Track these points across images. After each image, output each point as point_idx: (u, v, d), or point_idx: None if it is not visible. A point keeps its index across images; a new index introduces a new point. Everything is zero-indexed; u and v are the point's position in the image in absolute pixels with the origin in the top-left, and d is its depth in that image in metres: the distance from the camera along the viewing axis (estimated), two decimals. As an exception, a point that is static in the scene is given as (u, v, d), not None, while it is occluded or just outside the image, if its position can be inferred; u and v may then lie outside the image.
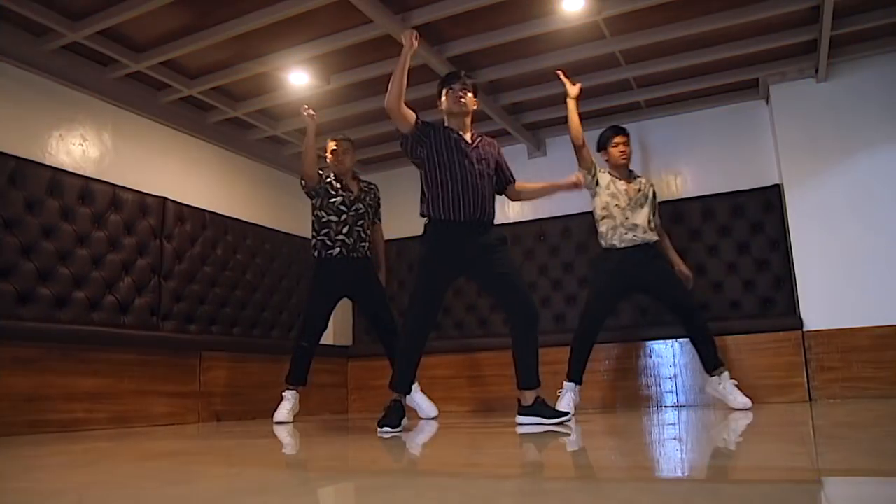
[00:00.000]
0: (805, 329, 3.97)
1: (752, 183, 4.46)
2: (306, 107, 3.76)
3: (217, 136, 4.69)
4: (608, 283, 3.66)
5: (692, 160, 4.69)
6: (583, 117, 4.87)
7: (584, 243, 4.75)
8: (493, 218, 3.02)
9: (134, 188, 3.98)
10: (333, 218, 3.74)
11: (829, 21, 3.53)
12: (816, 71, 4.13)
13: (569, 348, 3.65)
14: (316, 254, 3.78)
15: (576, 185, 3.06)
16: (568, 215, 4.85)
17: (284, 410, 3.67)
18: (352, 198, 3.80)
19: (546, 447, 2.14)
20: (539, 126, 5.10)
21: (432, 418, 3.80)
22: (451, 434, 2.77)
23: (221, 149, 4.75)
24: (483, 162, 2.99)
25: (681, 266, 3.79)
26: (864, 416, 2.68)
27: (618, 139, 3.78)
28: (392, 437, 2.59)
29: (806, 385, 3.90)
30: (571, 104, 3.64)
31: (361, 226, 3.81)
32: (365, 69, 4.06)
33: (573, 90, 3.64)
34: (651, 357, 4.26)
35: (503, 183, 3.14)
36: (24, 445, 2.52)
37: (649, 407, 4.15)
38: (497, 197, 3.11)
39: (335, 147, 3.81)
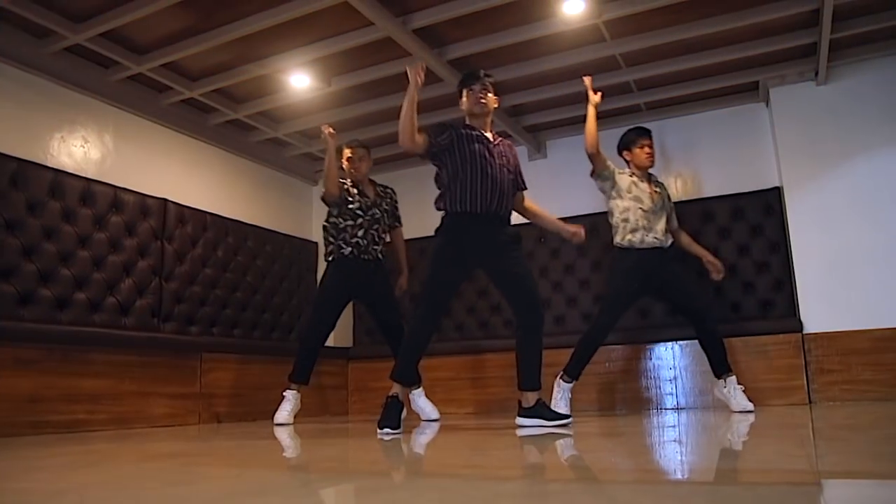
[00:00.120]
0: (805, 331, 3.98)
1: (752, 186, 4.46)
2: (326, 125, 3.77)
3: (218, 137, 4.70)
4: (626, 283, 3.60)
5: (692, 163, 4.70)
6: (583, 120, 4.92)
7: (584, 246, 4.74)
8: (510, 215, 3.03)
9: (135, 190, 3.99)
10: (350, 222, 3.77)
11: (828, 24, 3.53)
12: (816, 74, 4.14)
13: (571, 350, 3.61)
14: (330, 258, 3.81)
15: (574, 236, 3.11)
16: (569, 217, 4.84)
17: (285, 412, 3.67)
18: (368, 203, 3.82)
19: (546, 449, 2.15)
20: (539, 128, 5.11)
21: (433, 420, 3.81)
22: (451, 435, 2.77)
23: (222, 150, 4.76)
24: (504, 159, 3.01)
25: (708, 257, 3.77)
26: (863, 419, 2.68)
27: (644, 141, 3.72)
28: (392, 438, 2.60)
29: (806, 387, 3.90)
30: (592, 112, 3.59)
31: (376, 230, 3.84)
32: (366, 71, 4.07)
33: (595, 98, 3.60)
34: (651, 359, 4.26)
35: (514, 188, 3.14)
36: (26, 446, 2.52)
37: (649, 409, 4.15)
38: None
39: (351, 154, 3.83)
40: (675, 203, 4.55)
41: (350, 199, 3.79)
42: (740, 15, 3.59)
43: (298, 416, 3.79)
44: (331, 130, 3.72)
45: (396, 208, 4.02)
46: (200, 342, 4.08)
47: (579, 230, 3.12)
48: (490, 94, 3.02)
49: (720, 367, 3.52)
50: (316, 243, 5.42)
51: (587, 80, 3.64)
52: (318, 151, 5.22)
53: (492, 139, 3.02)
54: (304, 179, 5.52)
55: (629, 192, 3.65)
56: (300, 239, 5.26)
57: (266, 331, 4.75)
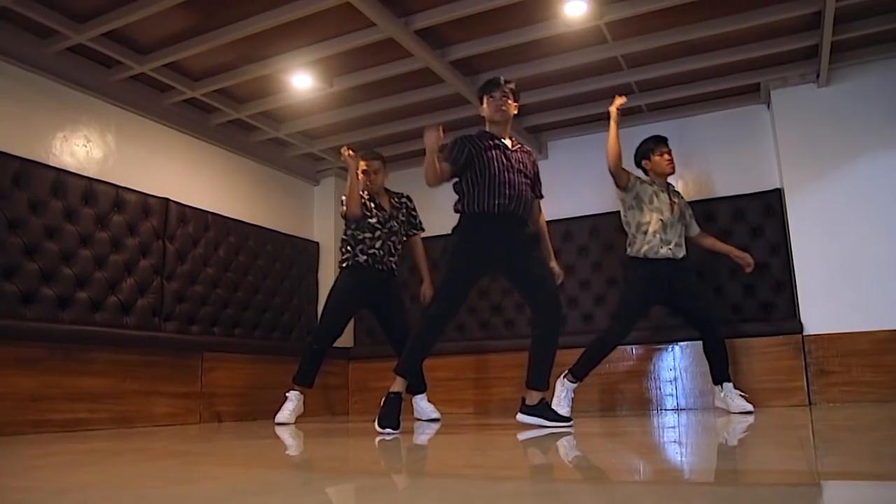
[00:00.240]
0: (805, 333, 3.98)
1: (753, 187, 4.47)
2: (346, 147, 3.76)
3: (220, 137, 4.71)
4: (641, 293, 3.59)
5: (693, 164, 4.70)
6: (584, 121, 4.93)
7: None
8: (529, 218, 3.04)
9: (137, 189, 4.00)
10: (367, 235, 3.79)
11: (830, 26, 3.54)
12: (818, 76, 4.14)
13: (571, 350, 3.57)
14: (344, 265, 3.83)
15: (557, 277, 3.18)
16: (571, 218, 4.85)
17: (287, 411, 3.68)
18: (386, 216, 3.84)
19: (546, 449, 2.15)
20: (541, 129, 5.11)
21: (433, 420, 3.81)
22: (451, 436, 2.77)
23: (224, 150, 4.77)
24: (521, 164, 3.03)
25: (735, 252, 3.76)
26: (863, 420, 2.69)
27: (664, 148, 3.71)
28: (393, 438, 2.60)
29: (806, 389, 3.90)
30: (614, 128, 3.56)
31: (393, 241, 3.86)
32: (368, 72, 4.08)
33: (616, 114, 3.58)
34: (651, 360, 4.27)
35: (532, 194, 3.14)
36: (27, 445, 2.53)
37: (649, 410, 4.16)
38: None
39: (366, 167, 3.82)
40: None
41: (368, 213, 3.81)
42: (742, 17, 3.59)
43: (299, 416, 3.79)
44: (350, 152, 3.72)
45: (414, 216, 4.00)
46: (201, 342, 4.09)
47: (561, 274, 3.22)
48: (510, 101, 3.04)
49: (721, 374, 3.55)
50: (317, 243, 5.43)
51: (619, 100, 3.57)
52: (319, 151, 5.23)
53: (510, 145, 3.04)
54: (306, 179, 5.53)
55: (651, 202, 3.63)
56: (301, 239, 5.26)
57: (267, 330, 4.76)
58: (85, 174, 3.75)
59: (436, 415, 3.87)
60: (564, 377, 3.53)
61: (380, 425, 2.85)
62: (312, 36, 3.68)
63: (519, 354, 4.46)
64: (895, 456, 1.61)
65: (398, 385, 2.92)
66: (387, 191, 3.97)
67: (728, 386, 3.54)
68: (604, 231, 4.78)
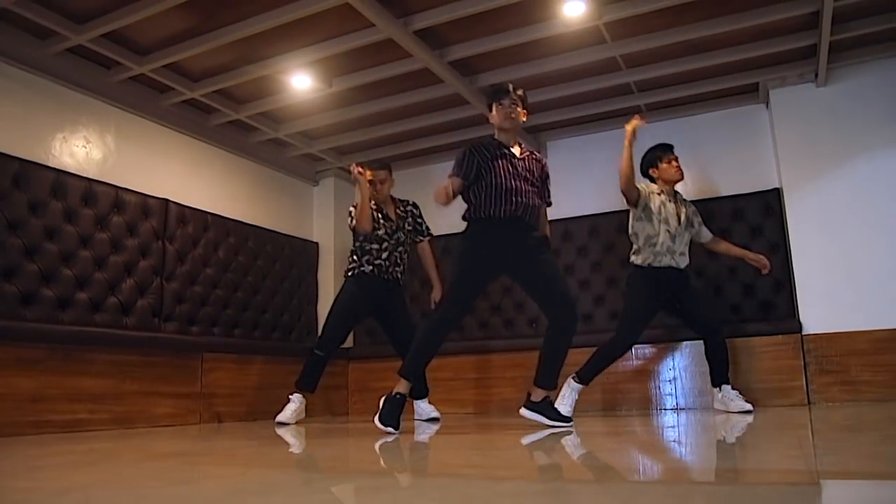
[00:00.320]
0: (804, 332, 3.99)
1: (752, 187, 4.47)
2: (355, 165, 3.77)
3: (219, 138, 4.71)
4: (646, 300, 3.59)
5: (692, 164, 4.69)
6: (583, 121, 4.94)
7: (611, 242, 4.72)
8: (535, 223, 3.04)
9: (136, 190, 4.00)
10: (374, 246, 3.81)
11: (828, 26, 3.54)
12: (816, 75, 4.14)
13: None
14: (350, 273, 3.84)
15: None
16: (570, 218, 4.86)
17: (289, 412, 3.70)
18: (393, 227, 3.85)
19: (547, 449, 2.16)
20: (540, 129, 5.12)
21: (433, 419, 3.82)
22: (451, 435, 2.78)
23: (224, 151, 4.77)
24: (528, 172, 3.03)
25: (750, 256, 3.74)
26: (862, 420, 2.69)
27: (671, 155, 3.69)
28: (393, 438, 2.60)
29: (805, 388, 3.91)
30: (629, 151, 3.49)
31: (399, 252, 3.87)
32: (367, 72, 4.08)
33: (631, 136, 3.50)
34: (651, 360, 4.27)
35: (540, 200, 3.13)
36: (28, 445, 2.53)
37: (649, 410, 4.16)
38: None
39: (372, 177, 3.82)
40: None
41: (375, 224, 3.82)
42: (740, 17, 3.60)
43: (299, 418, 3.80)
44: (360, 170, 3.72)
45: (419, 223, 3.99)
46: (201, 342, 4.09)
47: None
48: (519, 108, 3.04)
49: (720, 377, 3.57)
50: (317, 244, 5.43)
51: (636, 122, 3.46)
52: (318, 152, 5.23)
53: (518, 154, 3.05)
54: (305, 180, 5.53)
55: (659, 213, 3.61)
56: (301, 239, 5.27)
57: (267, 331, 4.76)
58: (84, 175, 3.75)
59: (436, 415, 3.88)
60: (572, 377, 3.54)
61: (382, 422, 2.85)
62: (312, 36, 3.68)
63: (519, 354, 4.50)
64: (894, 455, 1.62)
65: (402, 387, 2.93)
66: (393, 199, 3.97)
67: (726, 388, 3.56)
68: (603, 231, 4.78)
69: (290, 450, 2.43)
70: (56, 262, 3.49)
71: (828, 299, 3.98)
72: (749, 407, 3.46)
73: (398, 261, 3.87)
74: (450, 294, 2.96)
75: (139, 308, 3.86)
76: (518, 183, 2.95)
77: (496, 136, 3.08)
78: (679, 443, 2.19)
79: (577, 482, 1.45)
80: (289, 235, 5.12)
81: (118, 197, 3.87)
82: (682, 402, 4.15)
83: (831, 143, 4.13)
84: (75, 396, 3.31)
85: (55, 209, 3.53)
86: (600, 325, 4.57)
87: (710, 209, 4.50)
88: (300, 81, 4.12)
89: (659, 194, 3.67)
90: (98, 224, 3.74)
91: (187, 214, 4.29)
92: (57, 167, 3.62)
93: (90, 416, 3.36)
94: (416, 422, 3.70)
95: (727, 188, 4.54)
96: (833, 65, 4.09)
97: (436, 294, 3.88)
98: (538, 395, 3.00)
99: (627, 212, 3.75)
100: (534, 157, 3.12)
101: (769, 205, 4.38)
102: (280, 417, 3.68)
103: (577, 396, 3.52)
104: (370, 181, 3.79)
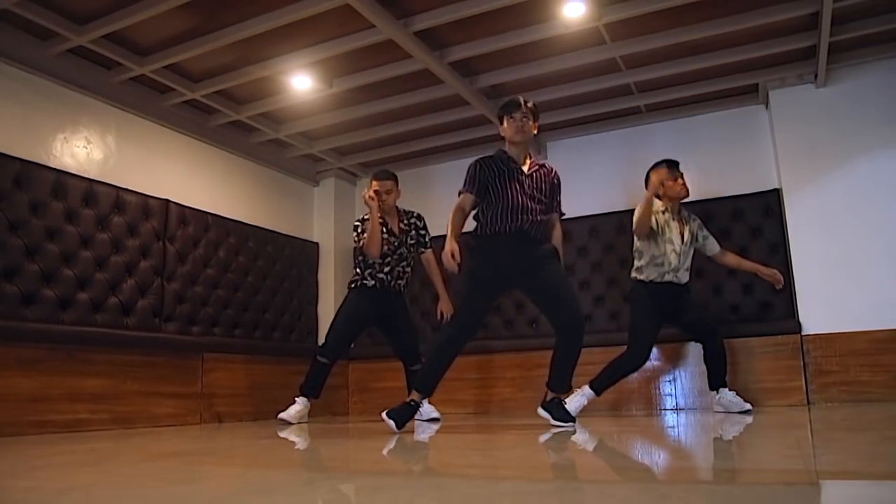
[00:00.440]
0: (803, 333, 3.99)
1: (752, 187, 4.47)
2: (365, 191, 3.78)
3: (220, 138, 4.71)
4: (650, 314, 3.59)
5: (692, 164, 4.69)
6: (583, 122, 4.94)
7: (611, 242, 4.71)
8: (543, 237, 3.04)
9: (137, 190, 4.00)
10: (377, 261, 3.82)
11: (827, 27, 3.55)
12: (816, 76, 4.15)
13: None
14: (353, 285, 3.87)
15: None
16: (569, 219, 4.84)
17: (293, 411, 3.73)
18: (396, 242, 3.85)
19: (546, 449, 2.16)
20: (540, 130, 5.04)
21: (434, 419, 3.82)
22: (451, 435, 2.78)
23: (224, 151, 4.78)
24: (535, 189, 3.03)
25: (762, 270, 3.71)
26: (860, 420, 2.70)
27: (677, 172, 3.66)
28: (394, 438, 2.61)
29: (804, 388, 3.91)
30: (650, 200, 3.48)
31: (402, 266, 3.89)
32: (367, 73, 4.08)
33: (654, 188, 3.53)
34: (650, 360, 4.26)
35: (548, 211, 3.13)
36: (29, 445, 2.54)
37: (649, 410, 4.17)
38: None
39: (378, 188, 3.81)
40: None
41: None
42: (740, 18, 3.60)
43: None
44: (371, 195, 3.73)
45: (423, 235, 3.97)
46: (202, 342, 4.10)
47: None
48: (530, 122, 3.05)
49: (718, 380, 3.58)
50: (317, 244, 5.44)
51: (655, 188, 3.50)
52: (319, 152, 5.24)
53: (526, 170, 3.05)
54: (306, 180, 5.54)
55: (663, 233, 3.60)
56: (301, 240, 5.27)
57: (267, 331, 4.77)
58: (85, 175, 3.75)
59: (436, 415, 3.89)
60: (588, 384, 3.55)
61: (388, 415, 2.89)
62: (312, 37, 3.69)
63: (519, 354, 4.51)
64: (893, 455, 1.62)
65: (416, 396, 2.99)
66: (398, 210, 3.95)
67: (724, 390, 3.57)
68: (603, 231, 4.78)
69: (291, 450, 2.44)
70: (57, 263, 3.50)
71: (827, 300, 3.99)
72: (748, 407, 3.47)
73: (401, 274, 3.89)
74: (460, 312, 3.00)
75: (140, 308, 3.87)
76: (524, 200, 2.97)
77: (507, 150, 3.09)
78: (679, 443, 2.20)
79: (576, 482, 1.45)
80: (289, 236, 5.13)
81: (119, 197, 3.87)
82: (681, 403, 4.16)
83: (831, 144, 4.13)
84: (76, 396, 3.32)
85: (56, 209, 3.54)
86: (600, 325, 4.58)
87: (709, 210, 4.50)
88: (301, 82, 4.13)
89: (663, 212, 3.66)
90: (99, 224, 3.74)
91: (188, 215, 4.29)
92: (58, 168, 3.62)
93: (91, 416, 3.37)
94: (416, 422, 3.70)
95: (727, 189, 4.54)
96: (832, 66, 4.10)
97: (442, 305, 3.84)
98: (549, 395, 3.06)
99: (627, 212, 3.75)
100: (543, 169, 3.11)
101: (769, 205, 4.38)
102: (283, 415, 3.71)
103: (586, 402, 3.54)
104: (375, 191, 3.78)
